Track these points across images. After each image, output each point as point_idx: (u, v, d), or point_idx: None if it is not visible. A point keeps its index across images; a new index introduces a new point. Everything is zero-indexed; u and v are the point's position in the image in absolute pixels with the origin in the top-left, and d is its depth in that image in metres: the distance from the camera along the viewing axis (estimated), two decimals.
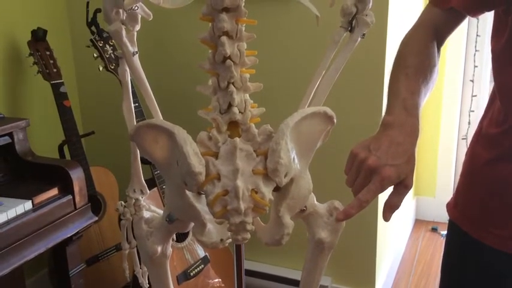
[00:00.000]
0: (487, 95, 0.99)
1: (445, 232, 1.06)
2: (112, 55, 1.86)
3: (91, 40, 1.85)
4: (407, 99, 0.82)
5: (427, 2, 0.97)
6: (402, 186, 0.75)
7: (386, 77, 1.84)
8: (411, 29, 0.95)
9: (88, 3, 1.85)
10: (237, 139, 0.67)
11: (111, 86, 1.95)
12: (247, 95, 0.69)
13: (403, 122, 0.79)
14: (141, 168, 0.93)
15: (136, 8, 0.74)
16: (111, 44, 1.88)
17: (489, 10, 0.89)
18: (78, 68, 2.33)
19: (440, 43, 0.95)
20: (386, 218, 0.76)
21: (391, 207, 0.75)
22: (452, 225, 1.02)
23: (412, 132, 0.79)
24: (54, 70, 1.90)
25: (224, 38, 0.64)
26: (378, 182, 0.73)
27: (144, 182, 0.94)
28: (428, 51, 0.90)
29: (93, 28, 1.87)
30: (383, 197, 0.77)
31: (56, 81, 1.90)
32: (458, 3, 0.89)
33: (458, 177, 1.03)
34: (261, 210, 0.66)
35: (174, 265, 1.81)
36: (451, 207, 1.03)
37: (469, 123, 2.87)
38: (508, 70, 0.87)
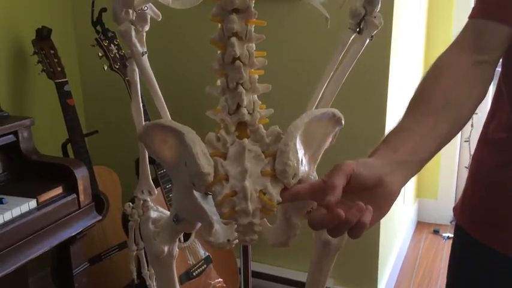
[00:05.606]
0: (491, 98, 0.98)
1: (446, 234, 1.05)
2: (117, 55, 1.86)
3: (96, 39, 1.85)
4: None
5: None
6: None
7: (391, 79, 1.84)
8: (445, 50, 0.82)
9: (93, 2, 1.86)
10: (246, 140, 0.67)
11: (115, 86, 1.95)
12: (256, 96, 0.69)
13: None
14: (149, 169, 0.93)
15: (146, 8, 0.74)
16: (116, 43, 1.88)
17: None
18: (83, 67, 2.34)
19: (488, 64, 0.80)
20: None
21: None
22: (459, 230, 0.99)
23: None
24: (59, 69, 1.90)
25: (234, 39, 0.64)
26: None
27: (152, 183, 0.93)
28: (465, 79, 0.78)
29: (98, 27, 1.87)
30: None
31: (60, 80, 1.90)
32: None
33: (460, 179, 1.02)
34: (269, 211, 0.65)
35: (176, 265, 1.81)
36: (458, 211, 1.00)
37: (472, 125, 2.86)
38: None
